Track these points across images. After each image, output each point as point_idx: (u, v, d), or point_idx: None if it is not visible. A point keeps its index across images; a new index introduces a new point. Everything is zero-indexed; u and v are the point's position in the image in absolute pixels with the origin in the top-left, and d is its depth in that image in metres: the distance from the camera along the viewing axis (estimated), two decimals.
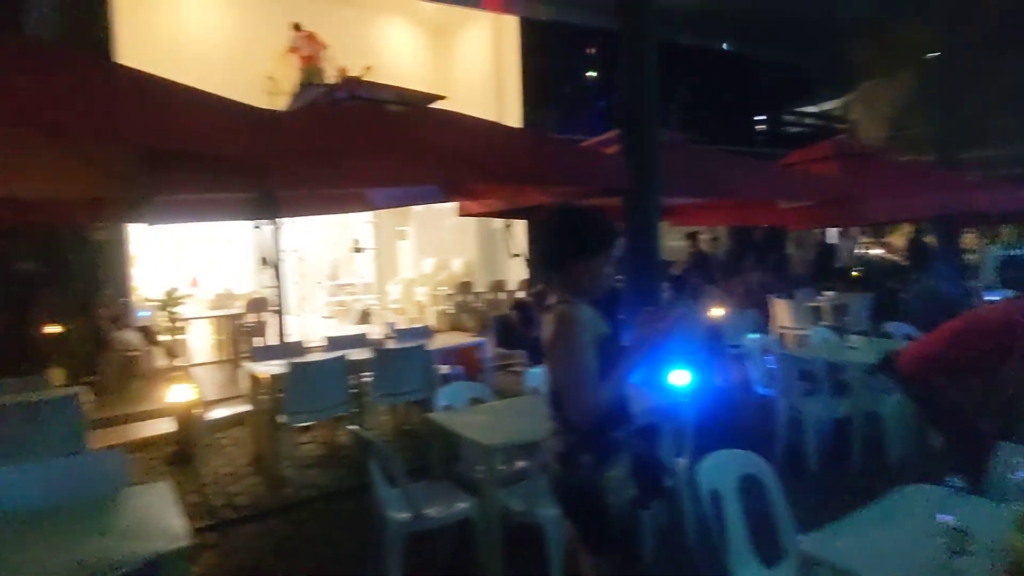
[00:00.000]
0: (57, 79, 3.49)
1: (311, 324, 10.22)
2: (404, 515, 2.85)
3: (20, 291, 6.68)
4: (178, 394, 4.68)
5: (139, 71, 3.93)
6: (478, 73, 12.31)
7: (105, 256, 7.24)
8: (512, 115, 11.29)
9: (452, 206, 7.25)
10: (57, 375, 5.48)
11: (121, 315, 7.01)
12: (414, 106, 6.90)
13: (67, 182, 4.38)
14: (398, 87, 7.94)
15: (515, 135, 7.52)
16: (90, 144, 4.18)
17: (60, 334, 6.66)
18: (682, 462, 3.33)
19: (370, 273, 12.85)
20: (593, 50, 13.36)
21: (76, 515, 2.25)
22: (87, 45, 6.97)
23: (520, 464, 3.37)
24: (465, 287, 10.82)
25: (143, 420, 5.57)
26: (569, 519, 2.05)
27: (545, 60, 11.68)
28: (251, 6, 10.84)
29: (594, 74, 13.51)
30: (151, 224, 5.45)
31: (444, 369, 5.68)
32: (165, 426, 5.18)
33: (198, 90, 3.93)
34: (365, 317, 10.17)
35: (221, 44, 10.25)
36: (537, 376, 4.15)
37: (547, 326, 1.98)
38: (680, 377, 4.47)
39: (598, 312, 2.06)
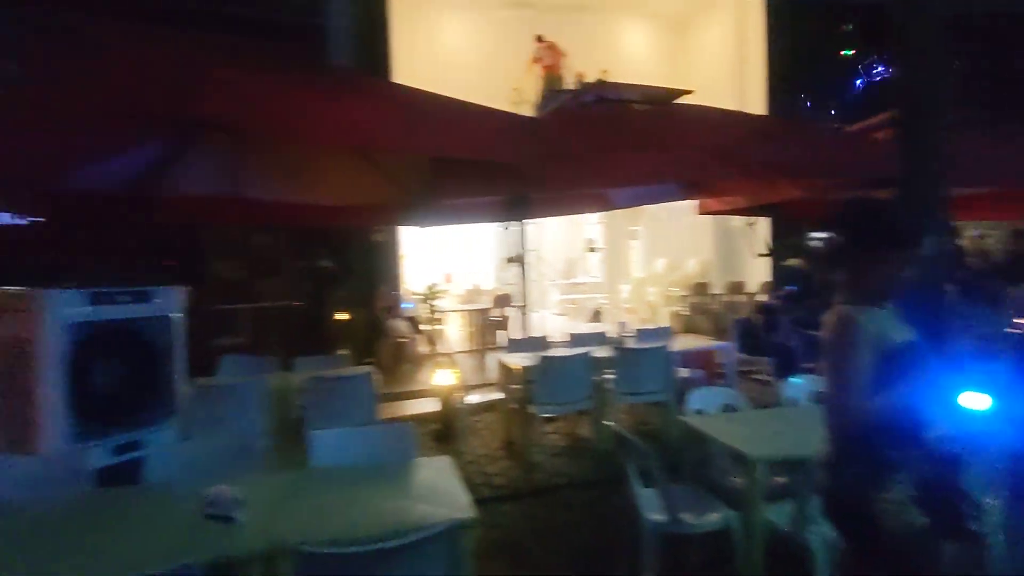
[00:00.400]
0: (357, 102, 4.10)
1: (545, 320, 10.71)
2: (660, 517, 2.81)
3: (319, 284, 8.07)
4: (442, 378, 5.24)
5: (420, 90, 4.47)
6: (717, 64, 11.74)
7: (381, 255, 8.43)
8: (756, 104, 10.55)
9: (689, 204, 7.03)
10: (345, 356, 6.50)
11: (393, 306, 8.08)
12: (659, 103, 6.85)
13: (363, 191, 5.17)
14: (643, 86, 7.97)
15: (765, 125, 7.02)
16: (383, 157, 4.89)
17: (347, 321, 7.92)
18: (993, 503, 2.78)
19: (600, 272, 13.05)
20: (850, 26, 11.89)
21: (377, 477, 2.61)
22: (373, 69, 8.15)
23: (780, 480, 3.13)
24: (700, 288, 10.41)
25: (411, 399, 6.35)
26: (838, 532, 1.94)
27: (794, 42, 10.68)
28: (498, 24, 11.70)
29: (851, 52, 12.00)
30: (422, 227, 6.18)
31: (684, 372, 5.53)
32: (429, 406, 5.84)
33: (470, 103, 4.34)
34: (597, 316, 10.34)
35: (473, 60, 11.23)
36: (797, 386, 3.82)
37: (825, 327, 1.88)
38: (976, 400, 3.75)
39: (895, 318, 1.88)
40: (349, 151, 4.83)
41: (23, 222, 6.09)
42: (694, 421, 3.28)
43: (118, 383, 3.46)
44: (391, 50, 8.74)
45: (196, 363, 4.19)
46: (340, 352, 6.42)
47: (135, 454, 3.30)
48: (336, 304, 7.98)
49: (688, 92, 8.46)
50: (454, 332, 9.94)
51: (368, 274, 8.27)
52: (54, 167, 3.55)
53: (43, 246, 6.45)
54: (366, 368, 4.72)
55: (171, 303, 3.83)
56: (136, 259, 4.94)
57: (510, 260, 6.29)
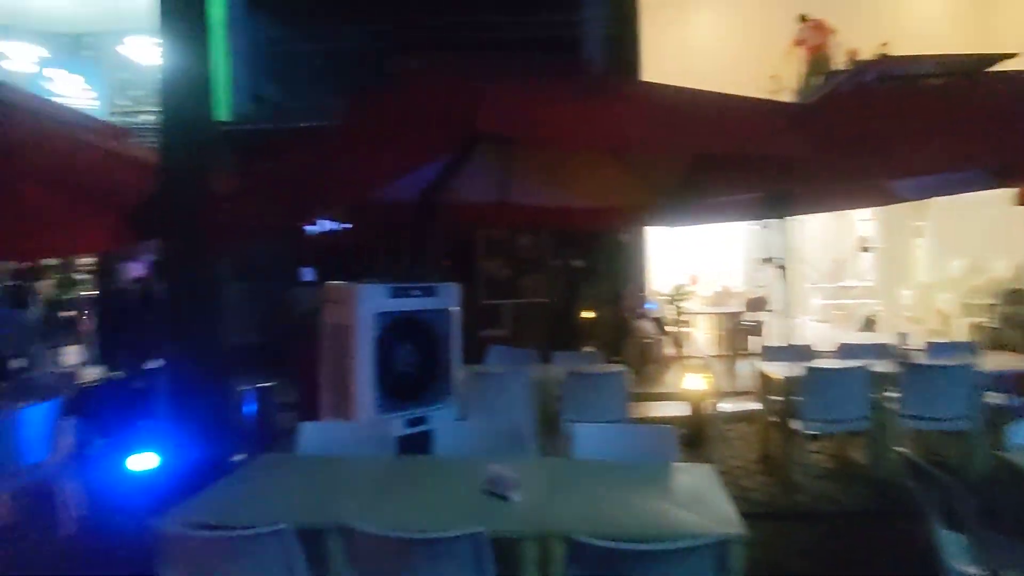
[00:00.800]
0: (611, 104, 4.16)
1: (805, 327, 9.73)
2: (972, 569, 2.37)
3: (570, 283, 8.45)
4: (693, 382, 5.10)
5: (673, 86, 4.38)
6: None
7: (628, 255, 8.50)
8: None
9: (998, 194, 5.76)
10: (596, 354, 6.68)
11: (639, 306, 8.10)
12: (963, 75, 5.75)
13: (617, 193, 5.26)
14: (939, 55, 6.76)
15: None
16: (636, 158, 4.92)
17: (593, 319, 8.14)
18: None
19: (874, 275, 11.42)
20: None
21: (636, 476, 2.63)
22: (625, 70, 8.26)
23: None
24: (1016, 296, 8.49)
25: (658, 401, 6.28)
26: None
27: None
28: (751, 10, 10.95)
29: None
30: (673, 226, 6.08)
31: (995, 397, 4.58)
32: (677, 409, 5.71)
33: (727, 94, 4.14)
34: (870, 324, 9.10)
35: (725, 52, 10.67)
36: None
37: None
38: None
39: None
40: (605, 155, 4.95)
41: (337, 228, 7.46)
42: (1019, 459, 2.70)
43: (411, 365, 4.04)
44: (641, 50, 8.75)
45: (466, 351, 4.69)
46: (586, 349, 6.64)
47: (423, 428, 3.83)
48: (584, 302, 8.27)
49: (1008, 56, 6.89)
50: (701, 335, 9.58)
51: (614, 274, 8.41)
52: (365, 184, 4.24)
53: (350, 247, 7.82)
54: (620, 367, 4.79)
55: (450, 297, 4.34)
56: (420, 259, 5.71)
57: (768, 261, 5.84)
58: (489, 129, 3.54)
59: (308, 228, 7.70)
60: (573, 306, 8.23)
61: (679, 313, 8.59)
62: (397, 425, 3.74)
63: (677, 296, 8.60)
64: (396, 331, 3.97)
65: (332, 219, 6.42)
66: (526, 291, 8.26)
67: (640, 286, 8.45)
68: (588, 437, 2.97)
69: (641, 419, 5.26)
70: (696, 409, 5.18)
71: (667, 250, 11.04)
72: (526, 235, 8.36)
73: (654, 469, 2.71)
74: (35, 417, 3.66)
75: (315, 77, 8.06)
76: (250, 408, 4.42)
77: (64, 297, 7.75)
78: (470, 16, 8.32)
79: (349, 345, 3.85)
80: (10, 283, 7.47)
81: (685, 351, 8.20)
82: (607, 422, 3.90)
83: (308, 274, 7.91)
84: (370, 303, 3.88)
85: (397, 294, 4.03)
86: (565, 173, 5.14)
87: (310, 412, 4.10)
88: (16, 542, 3.65)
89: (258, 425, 4.43)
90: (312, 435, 3.11)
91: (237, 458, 3.54)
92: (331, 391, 4.01)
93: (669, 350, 7.94)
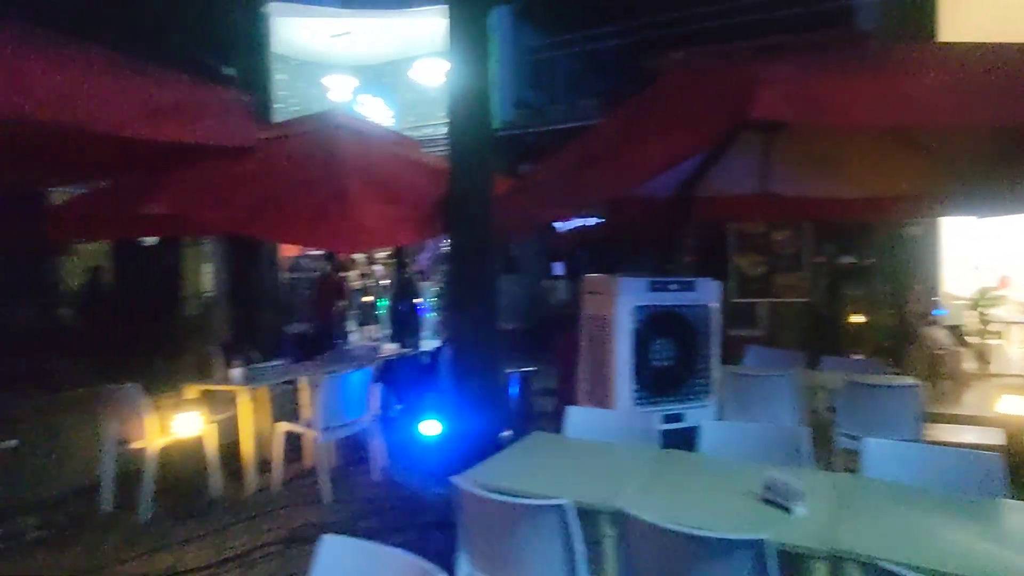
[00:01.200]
0: (898, 76, 3.58)
1: None
2: None
3: (836, 282, 7.58)
4: (1013, 406, 4.20)
5: (986, 44, 3.61)
6: None
7: (915, 251, 7.32)
8: None
9: None
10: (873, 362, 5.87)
11: (928, 311, 6.92)
12: None
13: (902, 179, 4.56)
14: None
15: None
16: (929, 138, 4.20)
17: (865, 323, 7.17)
18: None
19: None
20: None
21: (949, 506, 2.24)
22: (914, 35, 7.11)
23: None
24: None
25: (958, 423, 5.29)
26: None
27: None
28: None
29: None
30: (981, 217, 5.08)
31: None
32: (984, 436, 4.75)
33: None
34: None
35: None
36: None
37: None
38: None
39: None
40: (887, 135, 4.32)
41: (584, 224, 7.69)
42: None
43: (668, 359, 4.00)
44: (938, 8, 7.41)
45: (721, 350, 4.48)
46: (855, 355, 5.89)
47: (681, 424, 3.77)
48: (853, 304, 7.35)
49: None
50: (1016, 350, 7.82)
51: (895, 273, 7.31)
52: (630, 180, 4.28)
53: (599, 242, 8.01)
54: (911, 379, 4.17)
55: (709, 293, 4.19)
56: (671, 254, 5.62)
57: None
58: (767, 115, 3.31)
59: (557, 224, 8.08)
60: (839, 307, 7.36)
61: (984, 322, 7.11)
62: (655, 418, 3.74)
63: (982, 301, 7.13)
64: (654, 325, 3.96)
65: (584, 215, 6.63)
66: (783, 290, 7.61)
67: (932, 288, 7.21)
68: (882, 455, 2.64)
69: (934, 443, 4.49)
70: (1015, 438, 4.25)
71: (967, 244, 9.26)
72: (783, 229, 7.69)
73: (975, 503, 2.29)
74: (355, 381, 4.45)
75: (572, 81, 8.40)
76: (514, 390, 4.80)
77: (365, 285, 9.29)
78: (726, 2, 7.92)
79: (608, 336, 3.94)
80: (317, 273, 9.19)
81: (993, 368, 6.76)
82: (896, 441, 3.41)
83: (558, 268, 8.30)
84: (629, 296, 3.92)
85: (656, 288, 4.01)
86: (837, 159, 4.59)
87: (567, 398, 4.30)
88: (342, 480, 4.50)
89: (520, 406, 4.79)
90: (577, 419, 3.25)
91: (504, 434, 3.87)
92: (589, 379, 4.15)
93: (969, 365, 6.62)
